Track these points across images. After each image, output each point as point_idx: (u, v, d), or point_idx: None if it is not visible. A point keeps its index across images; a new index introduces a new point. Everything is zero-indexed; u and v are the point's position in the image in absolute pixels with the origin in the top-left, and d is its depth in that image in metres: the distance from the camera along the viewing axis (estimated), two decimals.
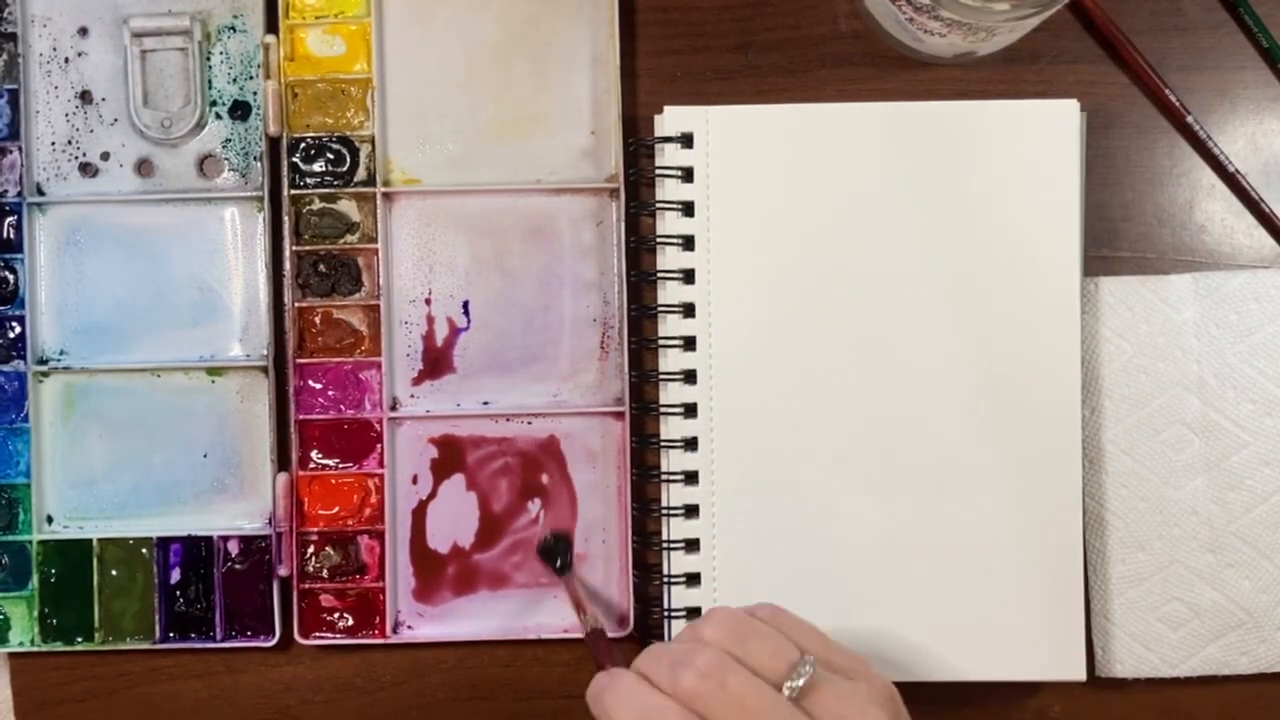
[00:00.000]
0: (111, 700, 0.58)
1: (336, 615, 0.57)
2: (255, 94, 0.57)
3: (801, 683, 0.43)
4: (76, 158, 0.57)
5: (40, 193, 0.57)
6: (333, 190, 0.57)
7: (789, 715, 0.42)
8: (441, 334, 0.57)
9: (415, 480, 0.57)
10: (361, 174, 0.57)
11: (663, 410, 0.56)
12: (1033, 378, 0.55)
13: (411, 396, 0.57)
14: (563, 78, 0.57)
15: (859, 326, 0.56)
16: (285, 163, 0.57)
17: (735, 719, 0.42)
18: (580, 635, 0.55)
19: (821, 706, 0.43)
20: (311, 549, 0.57)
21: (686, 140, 0.56)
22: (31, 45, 0.57)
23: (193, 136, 0.57)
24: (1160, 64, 0.57)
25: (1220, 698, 0.57)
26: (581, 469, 0.57)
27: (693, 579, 0.56)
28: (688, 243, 0.56)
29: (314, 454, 0.57)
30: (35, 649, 0.57)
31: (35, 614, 0.57)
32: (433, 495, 0.57)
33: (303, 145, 0.57)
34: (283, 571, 0.57)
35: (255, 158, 0.57)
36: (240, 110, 0.57)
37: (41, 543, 0.57)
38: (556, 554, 0.56)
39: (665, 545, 0.56)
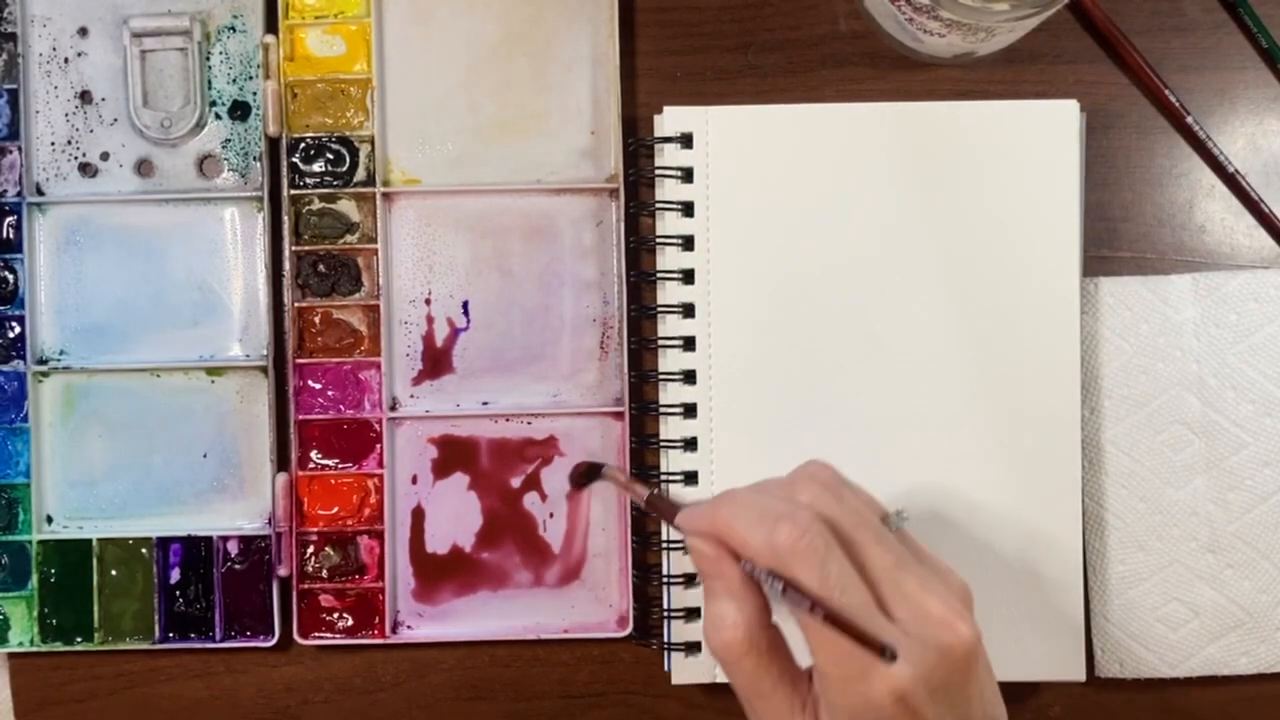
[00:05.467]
0: (111, 700, 0.58)
1: (336, 615, 0.57)
2: (255, 94, 0.57)
3: (903, 524, 0.45)
4: (76, 158, 0.57)
5: (40, 193, 0.57)
6: (332, 190, 0.57)
7: (895, 540, 0.44)
8: (441, 334, 0.57)
9: (415, 480, 0.57)
10: (361, 174, 0.57)
11: (662, 410, 0.56)
12: (1032, 377, 0.55)
13: (411, 397, 0.57)
14: (563, 78, 0.57)
15: (858, 327, 0.56)
16: (285, 163, 0.57)
17: (852, 530, 0.43)
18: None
19: (915, 550, 0.45)
20: (311, 549, 0.57)
21: (686, 140, 0.56)
22: (31, 45, 0.57)
23: (192, 136, 0.57)
24: (1160, 64, 0.57)
25: (1220, 698, 0.57)
26: None
27: (692, 579, 0.56)
28: (687, 243, 0.56)
29: (314, 454, 0.57)
30: (35, 649, 0.57)
31: (35, 614, 0.57)
32: (432, 495, 0.57)
33: (302, 145, 0.57)
34: (282, 571, 0.57)
35: (255, 158, 0.57)
36: (240, 110, 0.57)
37: (41, 543, 0.57)
38: (588, 475, 0.55)
39: (665, 545, 0.56)
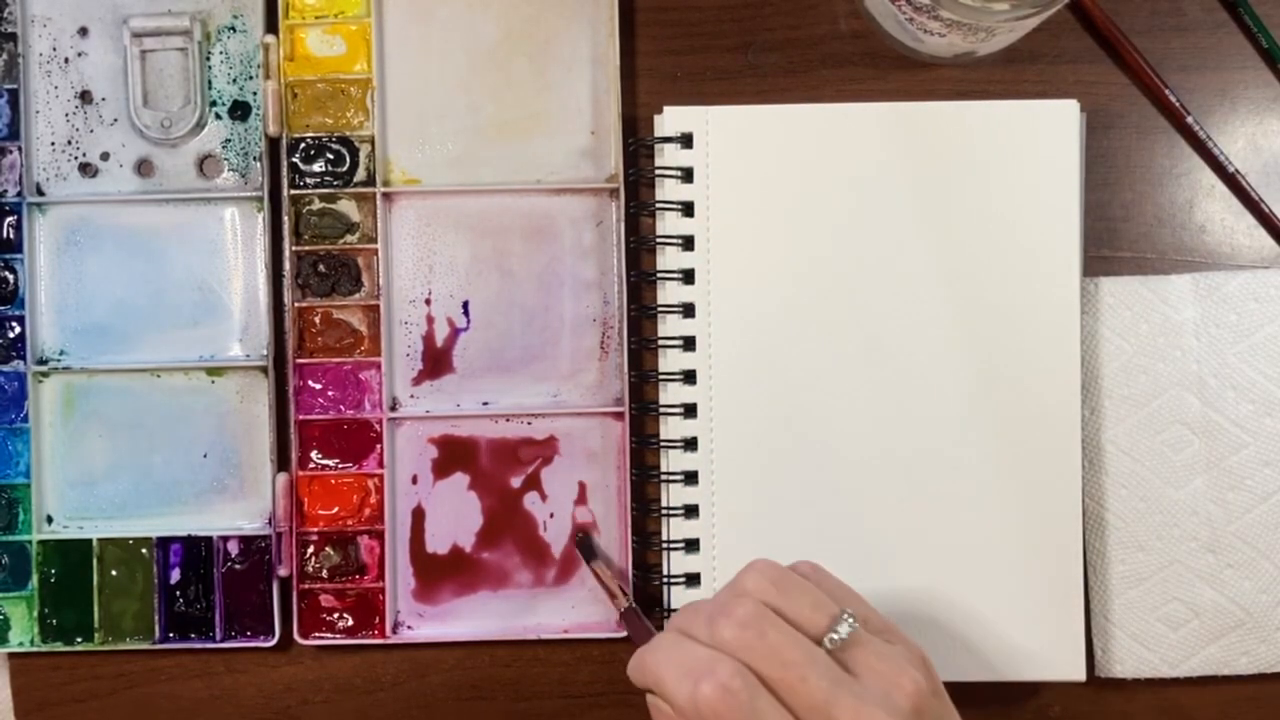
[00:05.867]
0: (111, 700, 0.58)
1: (336, 615, 0.57)
2: (255, 94, 0.57)
3: (841, 637, 0.43)
4: (76, 158, 0.57)
5: (40, 193, 0.57)
6: (332, 190, 0.57)
7: (827, 668, 0.42)
8: (441, 334, 0.57)
9: (415, 480, 0.57)
10: (361, 174, 0.57)
11: (662, 410, 0.56)
12: (1033, 377, 0.55)
13: (411, 397, 0.57)
14: (563, 78, 0.57)
15: (859, 326, 0.56)
16: (285, 163, 0.57)
17: (774, 670, 0.42)
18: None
19: (860, 662, 0.43)
20: (311, 549, 0.57)
21: (686, 140, 0.56)
22: (31, 45, 0.57)
23: (193, 136, 0.57)
24: (1160, 64, 0.57)
25: (1220, 698, 0.57)
26: (581, 469, 0.57)
27: (692, 579, 0.56)
28: (687, 243, 0.56)
29: (314, 454, 0.57)
30: (35, 649, 0.57)
31: (35, 614, 0.57)
32: (432, 495, 0.57)
33: (302, 145, 0.57)
34: (282, 571, 0.57)
35: (255, 158, 0.57)
36: (240, 110, 0.57)
37: (41, 543, 0.57)
38: (586, 545, 0.56)
39: (665, 545, 0.56)
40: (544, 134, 0.57)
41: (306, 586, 0.57)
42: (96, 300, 0.57)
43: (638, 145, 0.57)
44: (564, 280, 0.57)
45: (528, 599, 0.57)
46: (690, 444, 0.56)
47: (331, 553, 0.57)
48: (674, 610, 0.56)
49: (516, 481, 0.57)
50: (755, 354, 0.56)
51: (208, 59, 0.57)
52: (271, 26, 0.57)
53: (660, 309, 0.56)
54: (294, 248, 0.57)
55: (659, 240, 0.56)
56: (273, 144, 0.57)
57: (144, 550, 0.57)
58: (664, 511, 0.56)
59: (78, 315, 0.57)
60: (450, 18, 0.57)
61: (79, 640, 0.57)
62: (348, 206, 0.57)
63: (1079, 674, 0.55)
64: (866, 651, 0.43)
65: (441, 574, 0.57)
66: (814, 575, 0.47)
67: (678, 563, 0.56)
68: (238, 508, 0.58)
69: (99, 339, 0.57)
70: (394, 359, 0.57)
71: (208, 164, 0.58)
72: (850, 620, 0.44)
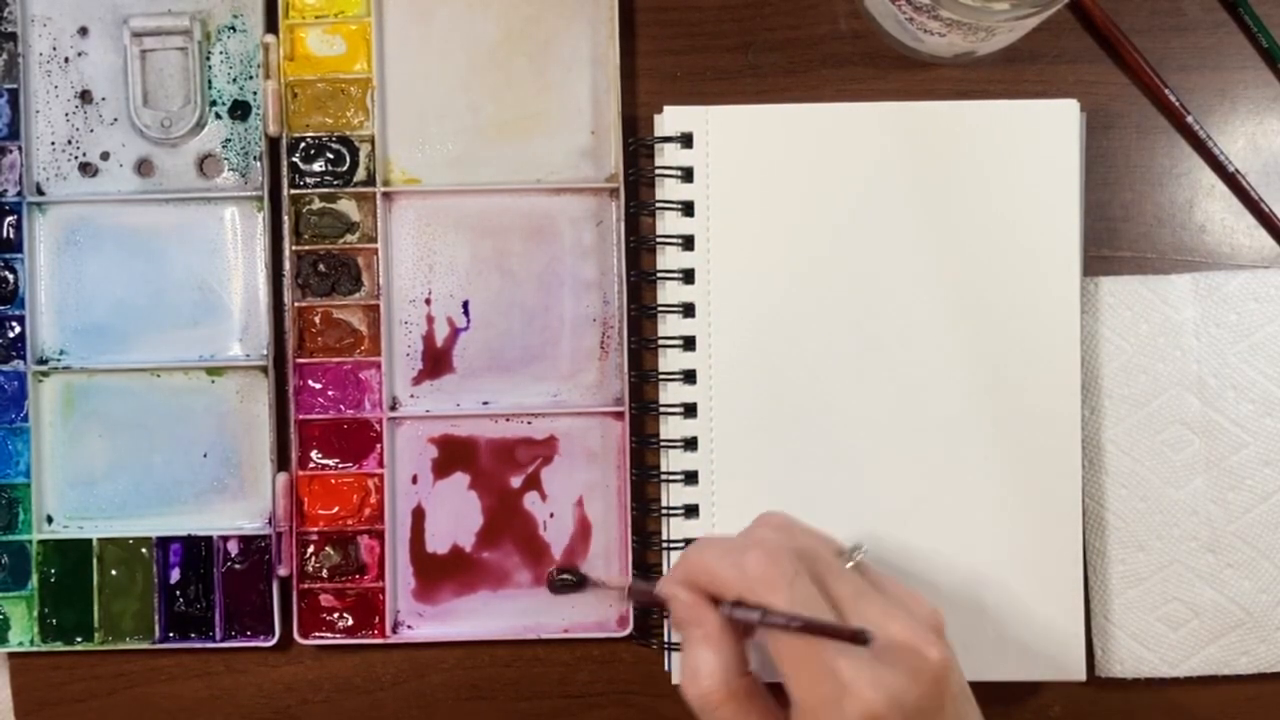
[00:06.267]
0: (111, 700, 0.58)
1: (336, 615, 0.57)
2: (255, 94, 0.57)
3: (859, 559, 0.46)
4: (76, 157, 0.57)
5: (40, 192, 0.57)
6: (332, 190, 0.57)
7: (852, 574, 0.45)
8: (441, 334, 0.57)
9: (415, 480, 0.57)
10: (361, 174, 0.57)
11: (662, 410, 0.56)
12: (1033, 377, 0.55)
13: (411, 396, 0.57)
14: (563, 78, 0.57)
15: (859, 326, 0.56)
16: (285, 162, 0.57)
17: (807, 563, 0.44)
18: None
19: (879, 582, 0.46)
20: (311, 549, 0.57)
21: (686, 140, 0.56)
22: (31, 45, 0.57)
23: (193, 136, 0.57)
24: (1160, 64, 0.57)
25: (1220, 698, 0.57)
26: (581, 469, 0.57)
27: None
28: (687, 243, 0.56)
29: (314, 454, 0.57)
30: (35, 649, 0.57)
31: (35, 614, 0.57)
32: (432, 495, 0.57)
33: (302, 145, 0.57)
34: (282, 571, 0.57)
35: (255, 157, 0.57)
36: (240, 110, 0.57)
37: (41, 542, 0.57)
38: (569, 583, 0.57)
39: (665, 545, 0.56)
40: (544, 134, 0.57)
41: (306, 586, 0.57)
42: (96, 300, 0.57)
43: (638, 145, 0.57)
44: (564, 280, 0.57)
45: (528, 599, 0.57)
46: (690, 444, 0.56)
47: (331, 552, 0.57)
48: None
49: (516, 481, 0.57)
50: (755, 354, 0.56)
51: (208, 59, 0.57)
52: (271, 26, 0.57)
53: (660, 309, 0.56)
54: (294, 247, 0.57)
55: (659, 240, 0.56)
56: (273, 144, 0.57)
57: (144, 550, 0.57)
58: (664, 511, 0.56)
59: (78, 315, 0.57)
60: (450, 18, 0.57)
61: (79, 640, 0.57)
62: (348, 206, 0.57)
63: (1079, 674, 0.55)
64: (882, 579, 0.46)
65: (441, 574, 0.57)
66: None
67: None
68: (238, 507, 0.58)
69: (99, 339, 0.57)
70: (394, 359, 0.57)
71: (208, 164, 0.58)
72: (861, 550, 0.46)
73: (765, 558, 0.43)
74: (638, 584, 0.53)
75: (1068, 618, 0.55)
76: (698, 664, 0.44)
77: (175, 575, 0.57)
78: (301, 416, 0.57)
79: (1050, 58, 0.58)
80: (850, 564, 0.46)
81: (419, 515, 0.57)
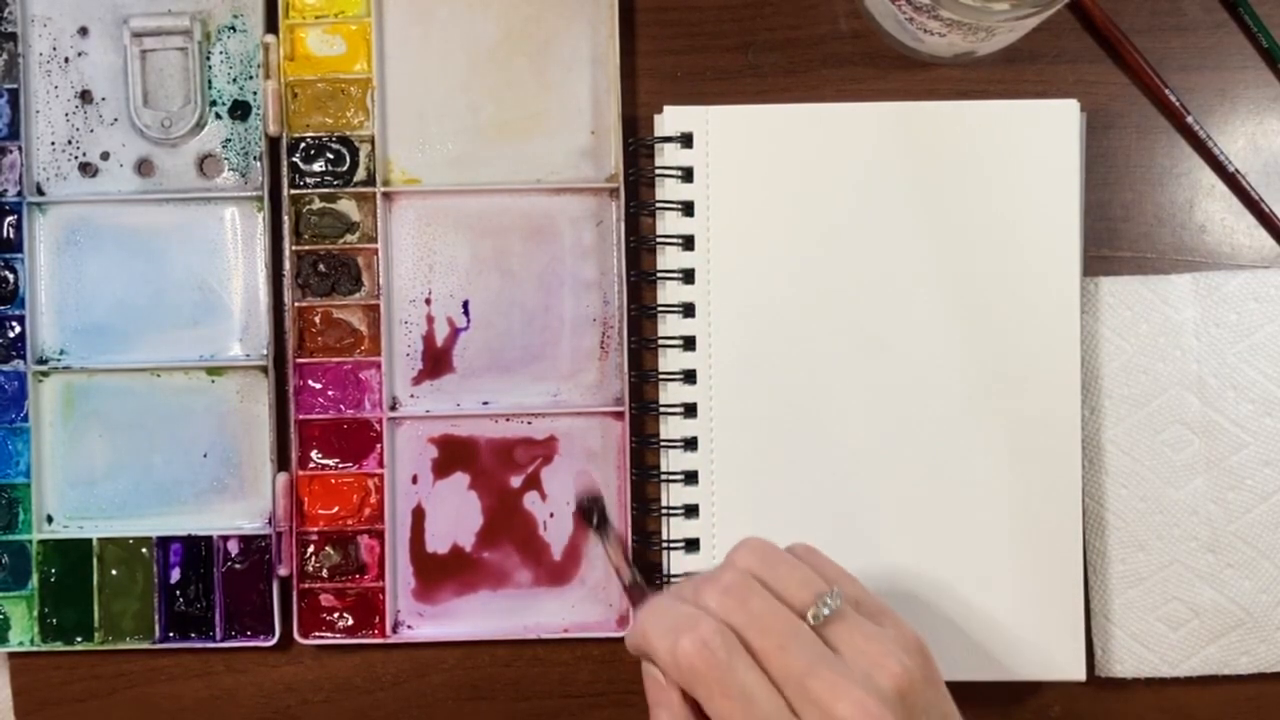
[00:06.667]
0: (111, 700, 0.58)
1: (336, 615, 0.57)
2: (255, 94, 0.57)
3: (827, 613, 0.43)
4: (76, 157, 0.57)
5: (40, 192, 0.57)
6: (333, 190, 0.57)
7: (808, 640, 0.42)
8: (441, 334, 0.57)
9: (415, 480, 0.57)
10: (361, 174, 0.57)
11: (663, 410, 0.56)
12: (1032, 377, 0.55)
13: (411, 396, 0.57)
14: (563, 78, 0.57)
15: (859, 326, 0.56)
16: (285, 162, 0.57)
17: (754, 637, 0.42)
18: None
19: (845, 641, 0.42)
20: (311, 549, 0.57)
21: (686, 140, 0.56)
22: (31, 45, 0.57)
23: (193, 136, 0.57)
24: (1160, 64, 0.57)
25: (1220, 698, 0.57)
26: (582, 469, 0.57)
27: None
28: (688, 243, 0.56)
29: (314, 454, 0.57)
30: (35, 649, 0.57)
31: (35, 614, 0.57)
32: (432, 495, 0.57)
33: (302, 145, 0.57)
34: (282, 571, 0.57)
35: (255, 157, 0.57)
36: (240, 110, 0.57)
37: (41, 542, 0.57)
38: (593, 514, 0.55)
39: (665, 545, 0.56)
40: (544, 134, 0.57)
41: (306, 586, 0.57)
42: (96, 300, 0.57)
43: (638, 145, 0.57)
44: (564, 280, 0.57)
45: (528, 599, 0.57)
46: (690, 444, 0.56)
47: (331, 552, 0.57)
48: None
49: (516, 481, 0.57)
50: (755, 354, 0.56)
51: (208, 59, 0.57)
52: (271, 26, 0.57)
53: (660, 309, 0.56)
54: (294, 247, 0.57)
55: (659, 240, 0.56)
56: (273, 144, 0.57)
57: (144, 550, 0.57)
58: (664, 511, 0.56)
59: (78, 315, 0.57)
60: (450, 18, 0.57)
61: (79, 640, 0.57)
62: (348, 206, 0.57)
63: (1079, 674, 0.55)
64: (853, 631, 0.43)
65: (441, 574, 0.57)
66: (807, 556, 0.46)
67: (678, 562, 0.56)
68: (238, 507, 0.58)
69: (99, 339, 0.57)
70: (394, 359, 0.57)
71: (208, 164, 0.58)
72: (837, 598, 0.43)
73: (696, 645, 0.41)
74: (636, 591, 0.51)
75: (1068, 618, 0.55)
76: None
77: (175, 575, 0.57)
78: (301, 416, 0.57)
79: (1050, 58, 0.58)
80: (818, 619, 0.43)
81: (419, 515, 0.57)
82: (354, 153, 0.57)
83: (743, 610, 0.42)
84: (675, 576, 0.56)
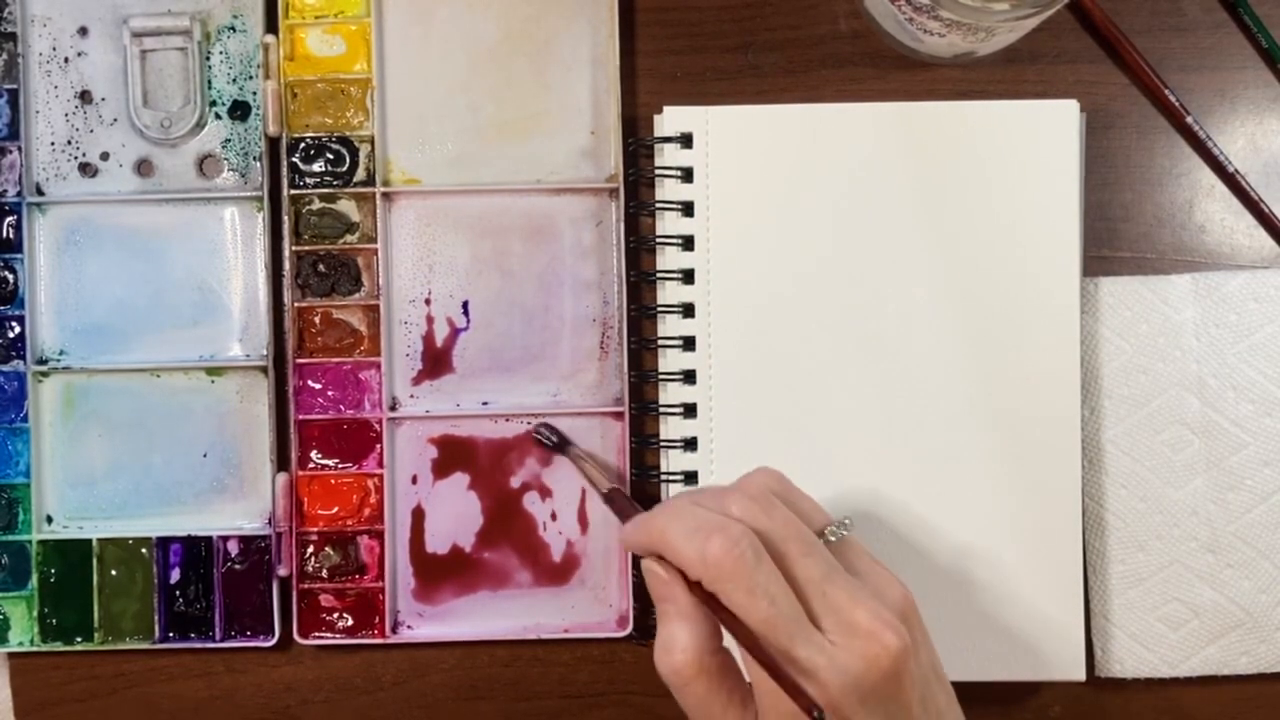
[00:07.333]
0: (111, 700, 0.58)
1: (336, 615, 0.57)
2: (255, 94, 0.57)
3: (840, 535, 0.45)
4: (76, 158, 0.57)
5: (40, 193, 0.57)
6: (332, 190, 0.57)
7: (827, 554, 0.44)
8: (441, 334, 0.57)
9: (415, 480, 0.57)
10: (361, 174, 0.57)
11: (662, 410, 0.56)
12: (1032, 377, 0.55)
13: (411, 396, 0.57)
14: (563, 78, 0.57)
15: (859, 327, 0.56)
16: (285, 163, 0.57)
17: (777, 544, 0.43)
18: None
19: (854, 564, 0.45)
20: (311, 549, 0.57)
21: (686, 140, 0.56)
22: (31, 45, 0.57)
23: (192, 136, 0.57)
24: (1160, 64, 0.57)
25: (1220, 698, 0.57)
26: None
27: None
28: (687, 243, 0.56)
29: (313, 454, 0.57)
30: (35, 649, 0.57)
31: (35, 614, 0.57)
32: (432, 495, 0.57)
33: (302, 145, 0.57)
34: (282, 571, 0.57)
35: (255, 158, 0.57)
36: (240, 110, 0.57)
37: (41, 542, 0.57)
38: (549, 439, 0.56)
39: None
40: (544, 134, 0.57)
41: (306, 586, 0.57)
42: (96, 300, 0.57)
43: (638, 145, 0.57)
44: (564, 280, 0.57)
45: (528, 599, 0.57)
46: (690, 444, 0.56)
47: (331, 553, 0.57)
48: None
49: (516, 481, 0.57)
50: (755, 354, 0.56)
51: (208, 59, 0.57)
52: (271, 26, 0.57)
53: (660, 309, 0.56)
54: (294, 247, 0.57)
55: (659, 240, 0.56)
56: (273, 144, 0.57)
57: (144, 550, 0.57)
58: None
59: (78, 315, 0.57)
60: (450, 18, 0.57)
61: (79, 640, 0.57)
62: (347, 206, 0.57)
63: (1079, 674, 0.55)
64: (861, 557, 0.46)
65: (441, 574, 0.57)
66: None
67: None
68: (238, 508, 0.58)
69: (99, 339, 0.57)
70: (394, 359, 0.57)
71: (208, 164, 0.58)
72: (848, 526, 0.46)
73: (728, 545, 0.42)
74: (618, 497, 0.51)
75: (1067, 618, 0.55)
76: (670, 639, 0.44)
77: (175, 575, 0.57)
78: (301, 416, 0.57)
79: (1050, 58, 0.58)
80: (833, 538, 0.45)
81: (419, 515, 0.57)
82: (354, 153, 0.57)
83: (767, 517, 0.44)
84: None
